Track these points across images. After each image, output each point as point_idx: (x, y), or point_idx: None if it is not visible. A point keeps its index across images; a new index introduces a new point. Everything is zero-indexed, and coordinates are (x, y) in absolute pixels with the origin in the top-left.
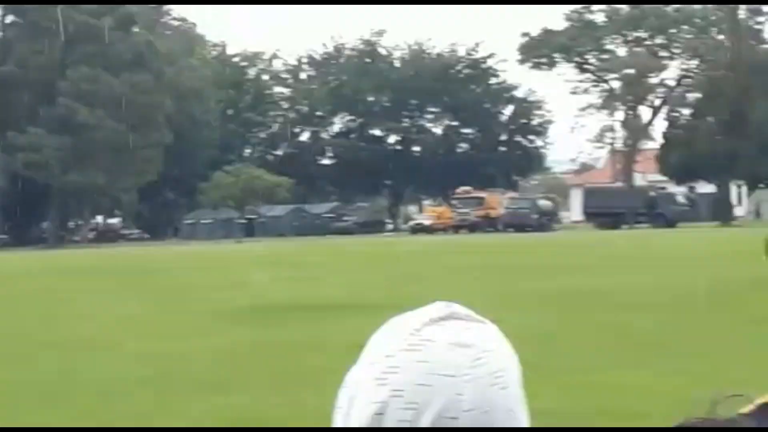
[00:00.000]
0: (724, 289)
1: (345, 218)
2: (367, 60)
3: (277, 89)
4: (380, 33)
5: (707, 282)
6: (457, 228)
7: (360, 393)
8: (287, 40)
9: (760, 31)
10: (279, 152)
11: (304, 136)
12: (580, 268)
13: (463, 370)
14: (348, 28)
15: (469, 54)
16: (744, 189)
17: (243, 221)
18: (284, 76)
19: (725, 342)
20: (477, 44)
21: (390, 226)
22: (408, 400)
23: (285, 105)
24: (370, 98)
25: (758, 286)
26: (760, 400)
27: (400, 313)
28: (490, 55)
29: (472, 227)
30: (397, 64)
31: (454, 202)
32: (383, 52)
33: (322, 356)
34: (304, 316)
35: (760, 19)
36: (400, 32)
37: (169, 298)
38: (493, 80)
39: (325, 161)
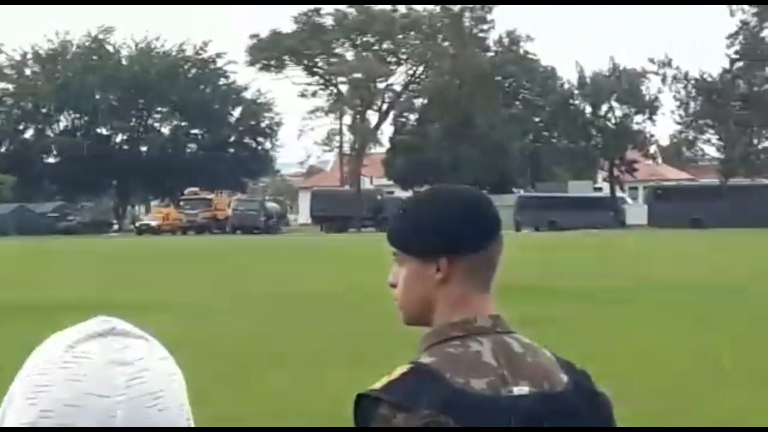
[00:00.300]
0: None
1: (70, 218)
2: (94, 57)
3: (1, 85)
4: (109, 30)
5: None
6: (184, 229)
7: (11, 410)
8: (11, 34)
9: (484, 39)
10: (2, 150)
11: (29, 134)
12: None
13: (118, 390)
14: (75, 23)
15: (197, 53)
16: None
17: None
18: (8, 71)
19: None
20: (205, 43)
21: (116, 227)
22: (56, 422)
23: (9, 101)
24: (97, 96)
25: None
26: (394, 374)
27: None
28: (219, 55)
29: (200, 229)
30: (124, 61)
31: (181, 203)
32: (111, 49)
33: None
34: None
35: (484, 27)
36: (130, 28)
37: None
38: (222, 81)
39: (50, 159)
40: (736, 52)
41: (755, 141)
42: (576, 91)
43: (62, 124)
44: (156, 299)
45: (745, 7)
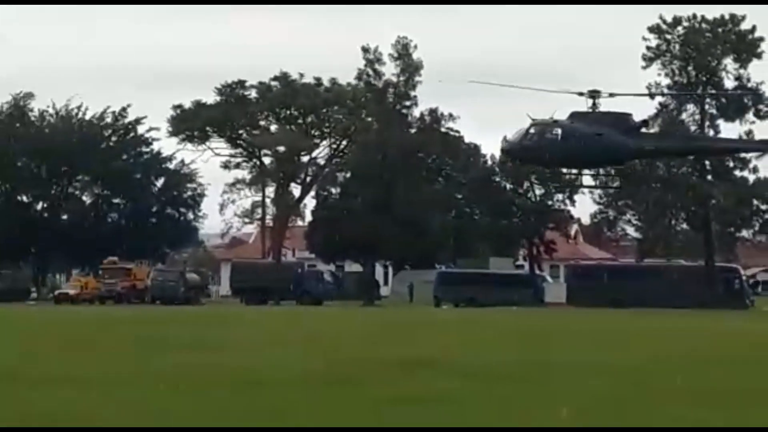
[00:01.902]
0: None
1: None
2: (17, 125)
3: None
4: (28, 95)
5: (325, 361)
6: (103, 299)
7: None
8: None
9: (406, 115)
10: None
11: None
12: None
13: None
14: None
15: (116, 119)
16: (390, 269)
17: None
18: None
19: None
20: (125, 108)
21: (35, 295)
22: None
23: None
24: (19, 163)
25: (384, 366)
26: None
27: None
28: (137, 120)
29: (119, 298)
30: (47, 129)
31: (101, 272)
32: (35, 114)
33: None
34: None
35: (407, 103)
36: (50, 94)
37: None
38: (144, 149)
39: None
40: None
41: (673, 222)
42: (497, 169)
43: None
44: (61, 373)
45: (665, 89)
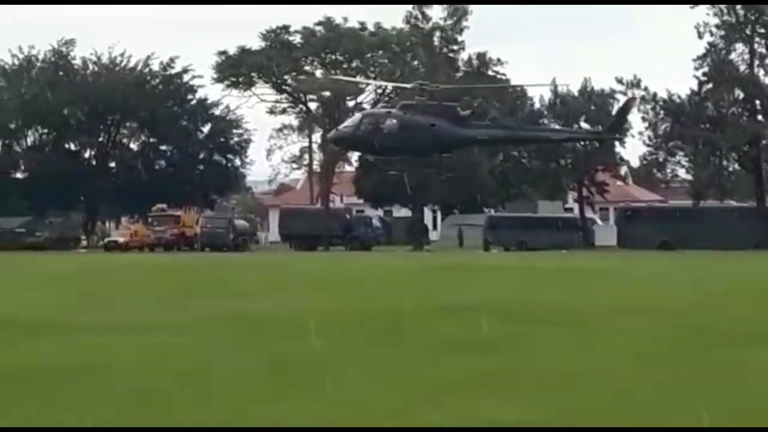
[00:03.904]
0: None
1: (37, 233)
2: (61, 73)
3: None
4: (70, 42)
5: (372, 307)
6: (152, 246)
7: None
8: None
9: (454, 59)
10: None
11: None
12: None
13: None
14: (39, 36)
15: (164, 69)
16: (439, 214)
17: None
18: None
19: (383, 368)
20: (172, 59)
21: (84, 243)
22: None
23: None
24: (65, 111)
25: (428, 313)
26: None
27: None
28: (185, 71)
29: (168, 245)
30: (91, 77)
31: (150, 219)
32: (78, 62)
33: None
34: None
35: (455, 47)
36: (93, 41)
37: None
38: (190, 96)
39: (18, 175)
40: (704, 74)
41: (725, 163)
42: (546, 112)
43: (30, 140)
44: (116, 320)
45: (713, 29)
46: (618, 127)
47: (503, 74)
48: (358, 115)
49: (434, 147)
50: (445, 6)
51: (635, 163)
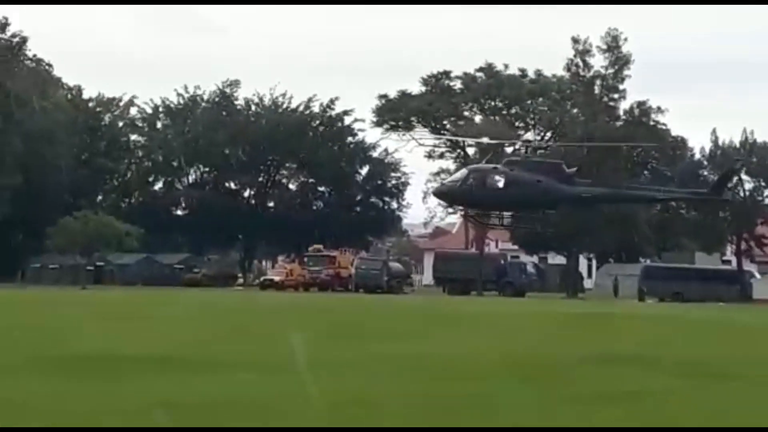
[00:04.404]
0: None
1: (195, 270)
2: (224, 113)
3: (133, 137)
4: (235, 83)
5: (527, 354)
6: (307, 286)
7: None
8: (143, 87)
9: (614, 108)
10: (131, 200)
11: (158, 186)
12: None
13: None
14: (204, 76)
15: (324, 111)
16: (594, 262)
17: (90, 268)
18: (140, 124)
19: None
20: (333, 100)
21: (241, 280)
22: None
23: (140, 153)
24: (226, 151)
25: (579, 363)
26: None
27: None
28: (345, 112)
29: (323, 286)
30: (253, 117)
31: (305, 259)
32: (240, 102)
33: (114, 415)
34: (112, 369)
35: (615, 96)
36: (256, 82)
37: None
38: (349, 139)
39: (179, 212)
40: None
41: None
42: (706, 162)
43: (191, 178)
44: (261, 356)
45: None
46: (720, 189)
47: (663, 123)
48: (464, 170)
49: (539, 204)
50: (606, 55)
51: None
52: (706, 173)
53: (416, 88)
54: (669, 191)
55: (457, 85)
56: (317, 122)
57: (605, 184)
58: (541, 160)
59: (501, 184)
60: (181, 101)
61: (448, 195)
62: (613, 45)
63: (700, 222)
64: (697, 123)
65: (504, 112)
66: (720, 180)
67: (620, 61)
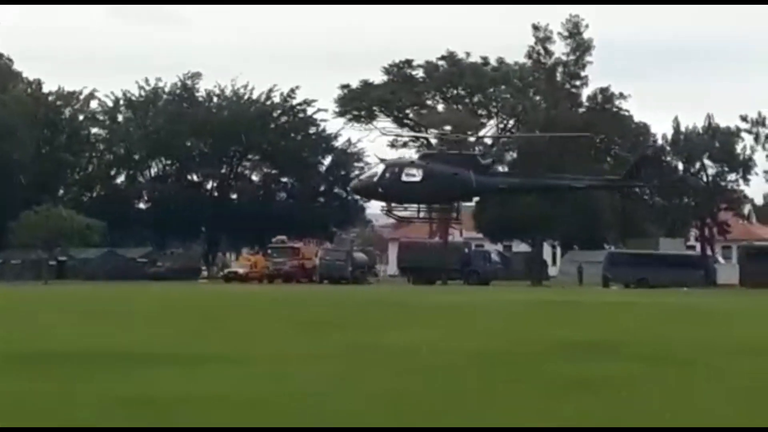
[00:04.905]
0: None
1: (159, 264)
2: (185, 105)
3: (94, 130)
4: (196, 75)
5: (494, 343)
6: (271, 278)
7: None
8: (103, 80)
9: (576, 95)
10: (93, 194)
11: (120, 179)
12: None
13: None
14: (166, 68)
15: (285, 100)
16: (558, 249)
17: (53, 263)
18: (101, 117)
19: (501, 405)
20: (293, 90)
21: (205, 273)
22: None
23: (101, 146)
24: (188, 143)
25: (554, 348)
26: None
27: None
28: (306, 102)
29: (287, 277)
30: (214, 109)
31: (269, 251)
32: (202, 94)
33: (80, 410)
34: (75, 365)
35: (577, 82)
36: (217, 73)
37: None
38: (312, 129)
39: (141, 205)
40: None
41: None
42: (668, 148)
43: (153, 171)
44: (223, 352)
45: None
46: (636, 174)
47: (626, 110)
48: (381, 165)
49: (456, 196)
50: (567, 41)
51: (759, 200)
52: (669, 159)
53: (378, 77)
54: (587, 179)
55: (419, 73)
56: (278, 112)
57: (521, 175)
58: (456, 152)
59: (418, 178)
60: (143, 94)
61: (365, 190)
62: (574, 31)
63: (663, 207)
64: (659, 109)
65: (467, 100)
66: (634, 165)
67: (581, 48)
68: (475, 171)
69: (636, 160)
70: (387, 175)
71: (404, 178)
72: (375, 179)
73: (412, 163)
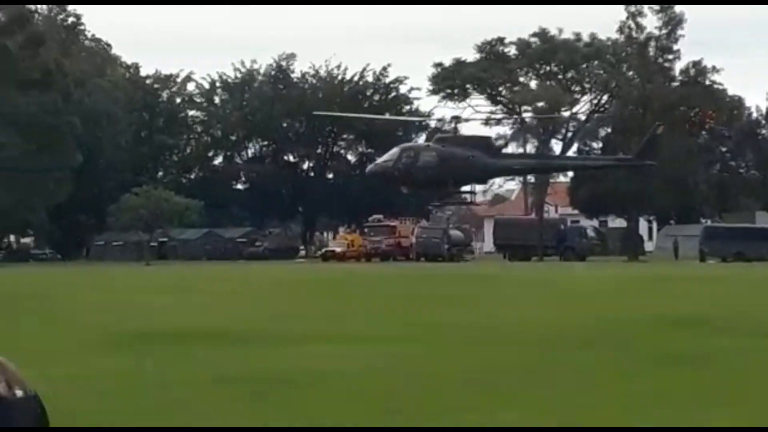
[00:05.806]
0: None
1: (257, 243)
2: (281, 86)
3: (191, 112)
4: (291, 56)
5: (591, 318)
6: (369, 256)
7: None
8: (200, 63)
9: (669, 69)
10: (191, 176)
11: (218, 161)
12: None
13: None
14: (260, 49)
15: (377, 79)
16: (654, 224)
17: (154, 244)
18: (198, 99)
19: (594, 378)
20: (385, 68)
21: (303, 253)
22: None
23: (198, 129)
24: (284, 124)
25: (652, 323)
26: None
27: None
28: (398, 79)
29: (384, 256)
30: (309, 90)
31: (366, 230)
32: (296, 75)
33: (177, 389)
34: (184, 344)
35: (670, 57)
36: (311, 53)
37: (50, 321)
38: (405, 107)
39: (239, 186)
40: None
41: None
42: (764, 121)
43: (250, 152)
44: (332, 330)
45: None
46: (647, 153)
47: (720, 83)
48: (396, 149)
49: (472, 178)
50: (659, 15)
51: None
52: (764, 132)
53: (471, 55)
54: (596, 159)
55: (512, 51)
56: (371, 91)
57: (534, 156)
58: (470, 135)
59: (434, 161)
60: (238, 76)
61: (382, 175)
62: (665, 5)
63: (760, 181)
64: (752, 85)
65: (559, 76)
66: (644, 145)
67: (673, 21)
68: (489, 154)
69: (646, 140)
70: (403, 158)
71: (421, 161)
72: (391, 163)
73: (427, 147)
